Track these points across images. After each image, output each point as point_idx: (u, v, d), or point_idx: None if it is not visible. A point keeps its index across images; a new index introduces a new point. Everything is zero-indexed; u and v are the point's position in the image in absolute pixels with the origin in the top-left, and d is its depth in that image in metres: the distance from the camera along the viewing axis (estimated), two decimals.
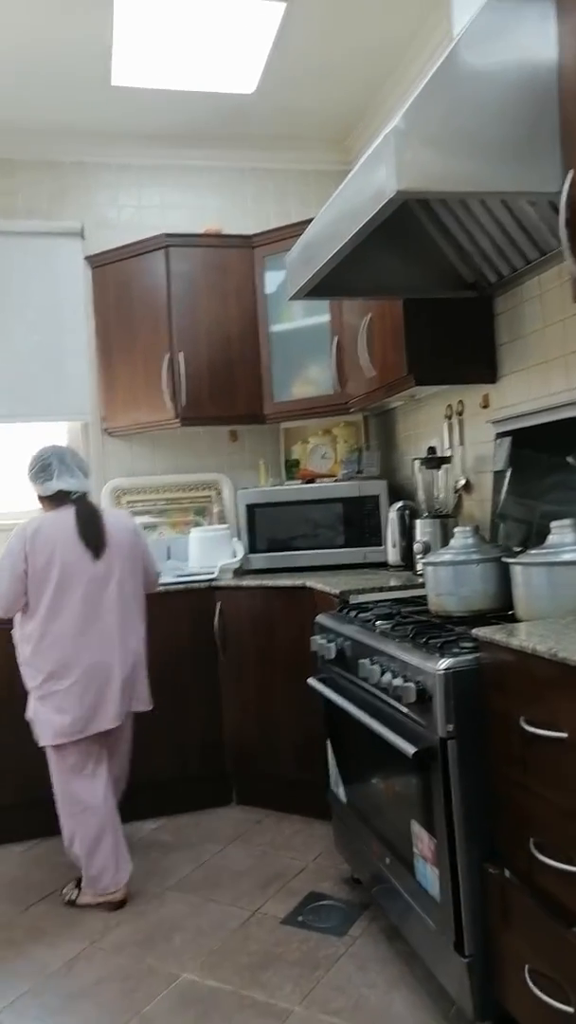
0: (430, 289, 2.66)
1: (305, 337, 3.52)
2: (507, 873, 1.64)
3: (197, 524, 3.82)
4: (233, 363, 3.58)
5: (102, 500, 3.72)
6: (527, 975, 1.55)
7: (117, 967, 2.20)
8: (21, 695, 2.62)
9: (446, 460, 3.00)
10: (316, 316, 3.47)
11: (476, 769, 1.70)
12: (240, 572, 3.42)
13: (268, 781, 3.21)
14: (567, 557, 1.78)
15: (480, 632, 1.68)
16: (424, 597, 2.26)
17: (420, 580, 2.60)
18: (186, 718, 3.23)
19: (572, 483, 2.27)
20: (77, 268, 3.76)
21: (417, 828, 1.85)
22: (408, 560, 3.09)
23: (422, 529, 2.89)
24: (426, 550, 2.80)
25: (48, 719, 2.53)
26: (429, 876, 1.80)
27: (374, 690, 2.03)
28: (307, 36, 3.06)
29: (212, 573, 3.33)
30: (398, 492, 3.48)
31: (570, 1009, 1.43)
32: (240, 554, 3.43)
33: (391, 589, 2.69)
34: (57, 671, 2.53)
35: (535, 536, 2.38)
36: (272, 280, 3.57)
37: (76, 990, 2.12)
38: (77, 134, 3.70)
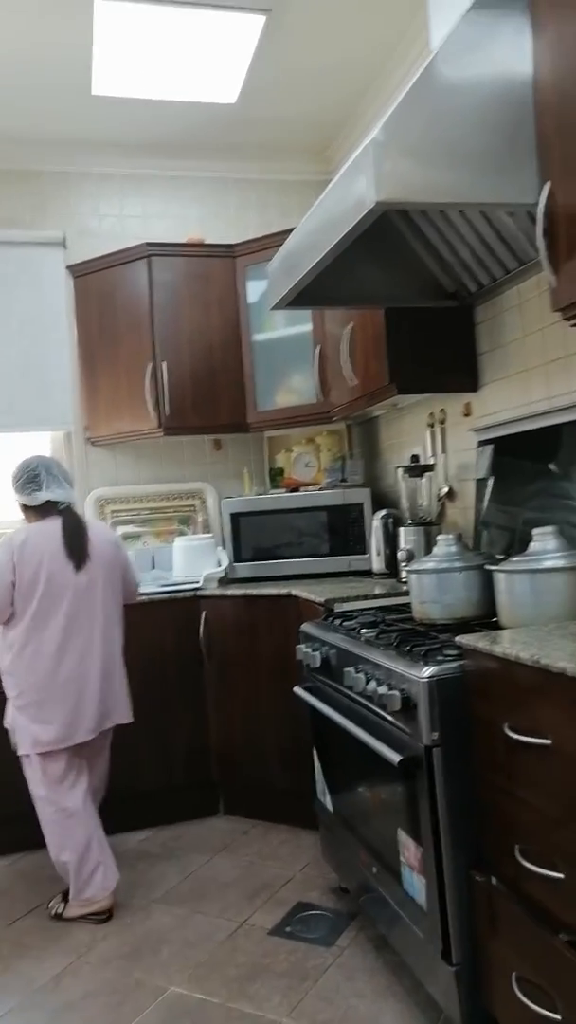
0: (411, 298, 2.67)
1: (288, 346, 3.53)
2: (493, 880, 1.65)
3: (181, 533, 3.82)
4: (216, 372, 3.58)
5: (86, 510, 3.71)
6: (514, 982, 1.55)
7: (104, 981, 2.19)
8: None
9: (429, 468, 3.01)
10: (298, 325, 3.48)
11: (461, 777, 1.70)
12: (225, 581, 3.42)
13: (255, 790, 3.20)
14: (549, 564, 1.79)
15: (464, 639, 1.69)
16: (408, 605, 2.26)
17: (404, 588, 2.60)
18: (172, 728, 3.22)
19: (554, 490, 2.29)
20: (59, 277, 3.75)
21: (403, 836, 1.85)
22: (392, 568, 3.10)
23: (406, 537, 2.90)
24: (410, 558, 2.81)
25: (27, 729, 2.53)
26: (416, 885, 1.80)
27: (359, 698, 2.03)
28: (288, 47, 3.08)
29: (197, 582, 3.33)
30: (382, 500, 3.49)
31: (557, 1016, 1.43)
32: (225, 563, 3.43)
33: (376, 597, 2.69)
34: (38, 681, 2.52)
35: (518, 543, 2.39)
36: (254, 289, 3.58)
37: (63, 1005, 2.10)
38: (58, 143, 3.70)
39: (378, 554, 3.16)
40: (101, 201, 3.85)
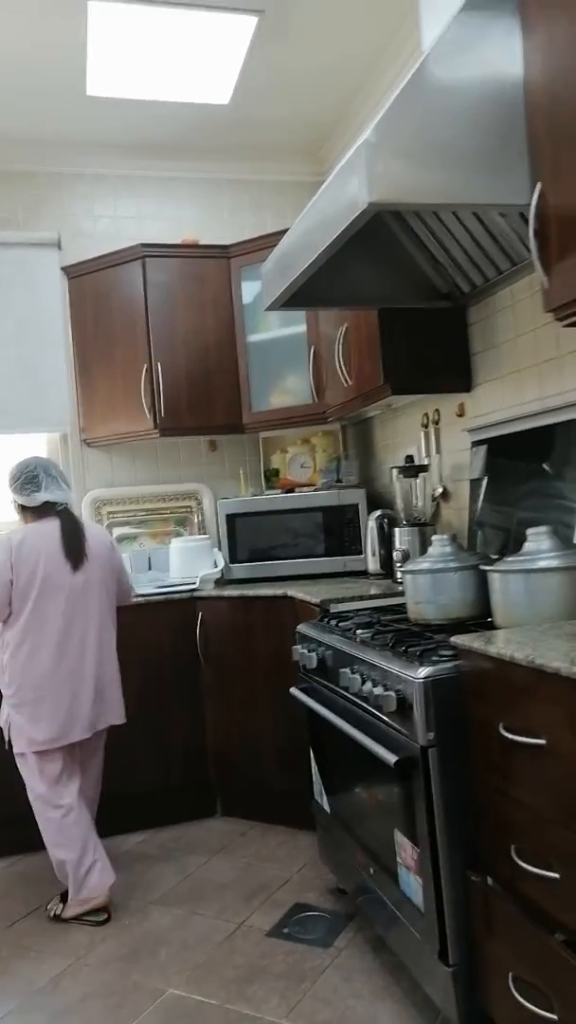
0: (405, 299, 2.67)
1: (282, 347, 3.54)
2: (490, 880, 1.65)
3: (178, 534, 3.82)
4: (211, 373, 3.58)
5: (82, 512, 3.71)
6: (511, 983, 1.55)
7: (103, 983, 2.19)
8: None
9: (423, 469, 3.02)
10: (293, 326, 3.48)
11: (457, 777, 1.71)
12: (221, 582, 3.42)
13: (252, 791, 3.20)
14: (543, 564, 1.79)
15: (459, 640, 1.69)
16: (404, 605, 2.27)
17: (400, 588, 2.61)
18: (169, 729, 3.22)
19: (547, 490, 2.30)
20: (54, 279, 3.75)
21: (400, 837, 1.86)
22: (388, 568, 3.10)
23: (401, 537, 2.91)
24: (405, 558, 2.81)
25: (22, 727, 2.54)
26: (413, 885, 1.81)
27: (355, 699, 2.03)
28: (280, 48, 3.08)
29: (193, 583, 3.33)
30: (377, 501, 3.50)
31: (553, 1016, 1.44)
32: (221, 564, 3.43)
33: (371, 597, 2.70)
34: (34, 680, 2.54)
35: (512, 543, 2.39)
36: (249, 290, 3.58)
37: (62, 1007, 2.10)
38: (52, 144, 3.70)
39: (373, 555, 3.17)
40: (95, 202, 3.84)
